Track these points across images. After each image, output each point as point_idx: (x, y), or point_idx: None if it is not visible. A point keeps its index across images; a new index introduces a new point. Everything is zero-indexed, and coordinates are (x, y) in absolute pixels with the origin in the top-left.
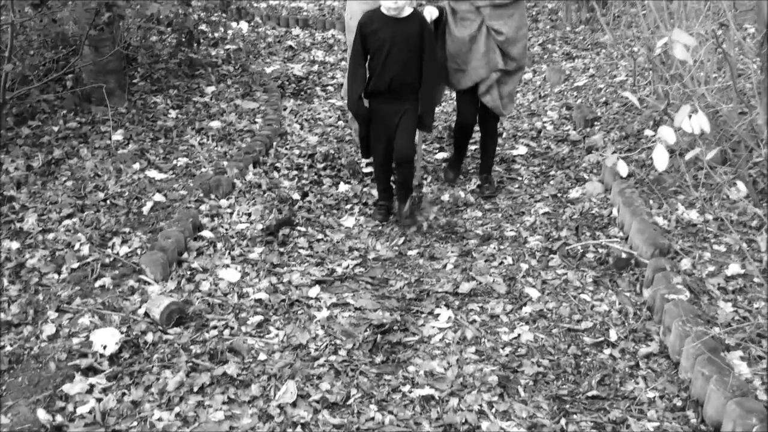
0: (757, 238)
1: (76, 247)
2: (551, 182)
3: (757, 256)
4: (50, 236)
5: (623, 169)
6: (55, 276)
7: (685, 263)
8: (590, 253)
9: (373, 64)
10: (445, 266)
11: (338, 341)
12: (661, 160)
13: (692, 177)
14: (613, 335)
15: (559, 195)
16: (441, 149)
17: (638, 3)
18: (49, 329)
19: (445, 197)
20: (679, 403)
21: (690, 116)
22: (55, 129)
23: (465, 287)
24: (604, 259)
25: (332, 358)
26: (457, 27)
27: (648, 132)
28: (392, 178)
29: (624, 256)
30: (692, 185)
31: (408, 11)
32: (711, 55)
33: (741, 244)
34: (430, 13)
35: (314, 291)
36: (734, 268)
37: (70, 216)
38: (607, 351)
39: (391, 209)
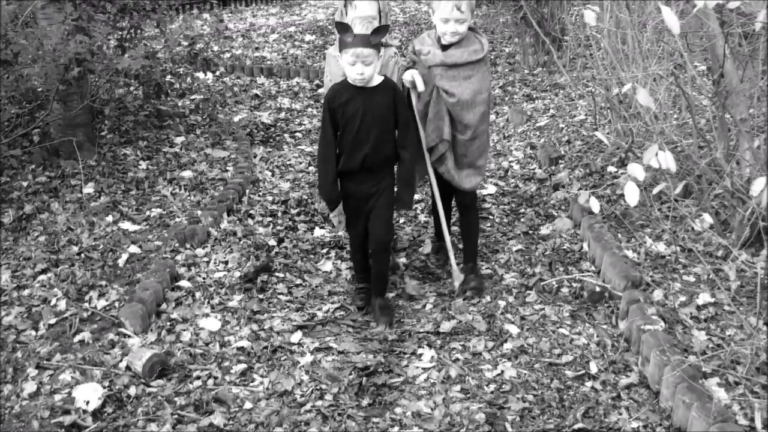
0: (724, 267)
1: (53, 302)
2: (522, 220)
3: (725, 285)
4: (25, 292)
5: (595, 205)
6: (33, 332)
7: (658, 294)
8: (565, 288)
9: (344, 141)
10: (424, 306)
11: (323, 386)
12: (632, 195)
13: (658, 210)
14: (593, 368)
15: (530, 232)
16: None
17: (593, 45)
18: (29, 387)
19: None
20: None
21: (656, 154)
22: (25, 184)
23: (446, 326)
24: (578, 293)
25: (318, 403)
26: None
27: (611, 168)
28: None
29: (598, 289)
30: (659, 218)
31: (378, 80)
32: (667, 93)
33: (710, 273)
34: (411, 74)
35: (296, 336)
36: (705, 297)
37: (44, 271)
38: (589, 383)
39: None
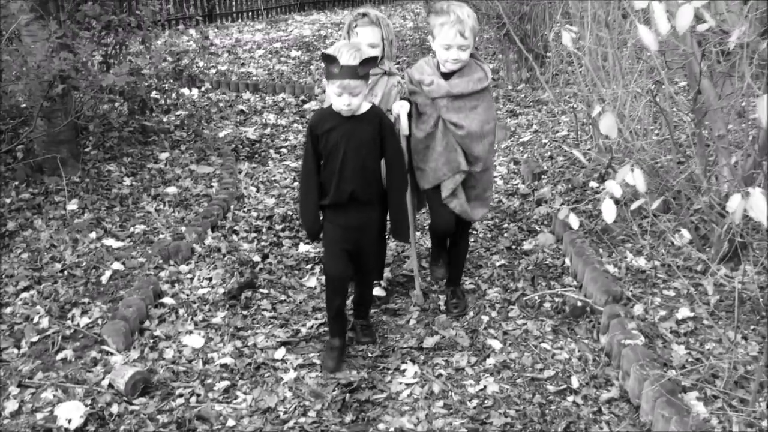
0: (704, 282)
1: (35, 320)
2: (505, 235)
3: (704, 299)
4: (7, 310)
5: (574, 221)
6: (15, 350)
7: (638, 309)
8: (547, 303)
9: (327, 172)
10: (408, 321)
11: (307, 402)
12: (609, 212)
13: (638, 225)
14: (575, 382)
15: (513, 247)
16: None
17: (575, 62)
18: (11, 405)
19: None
20: None
21: (632, 171)
22: (8, 201)
23: (429, 342)
24: (560, 308)
25: (302, 419)
26: (416, 122)
27: (593, 184)
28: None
29: (579, 304)
30: (639, 233)
31: (365, 107)
32: (647, 110)
33: (689, 288)
34: (401, 106)
35: (280, 353)
36: (684, 312)
37: (27, 289)
38: (571, 398)
39: (345, 351)
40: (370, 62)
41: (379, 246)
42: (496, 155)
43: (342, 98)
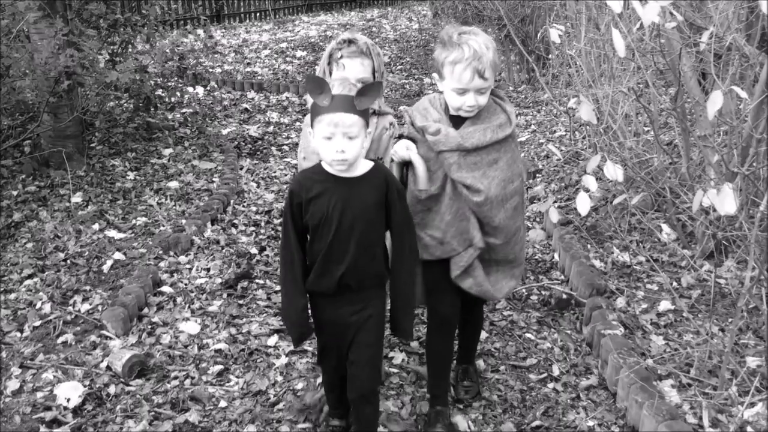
0: (687, 277)
1: (38, 305)
2: None
3: (686, 293)
4: (12, 296)
5: (554, 215)
6: (18, 334)
7: (620, 301)
8: (534, 296)
9: (314, 250)
10: None
11: (297, 386)
12: (583, 204)
13: (626, 222)
14: (555, 370)
15: None
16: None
17: (571, 64)
18: (13, 385)
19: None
20: (617, 430)
21: (602, 166)
22: (15, 193)
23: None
24: (547, 301)
25: (290, 401)
26: (414, 177)
27: None
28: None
29: (565, 296)
30: (625, 229)
31: (365, 167)
32: (640, 110)
33: (670, 282)
34: (408, 147)
35: (273, 340)
36: (665, 305)
37: (31, 276)
38: (551, 385)
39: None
40: (371, 92)
41: (378, 351)
42: None
43: (333, 142)
